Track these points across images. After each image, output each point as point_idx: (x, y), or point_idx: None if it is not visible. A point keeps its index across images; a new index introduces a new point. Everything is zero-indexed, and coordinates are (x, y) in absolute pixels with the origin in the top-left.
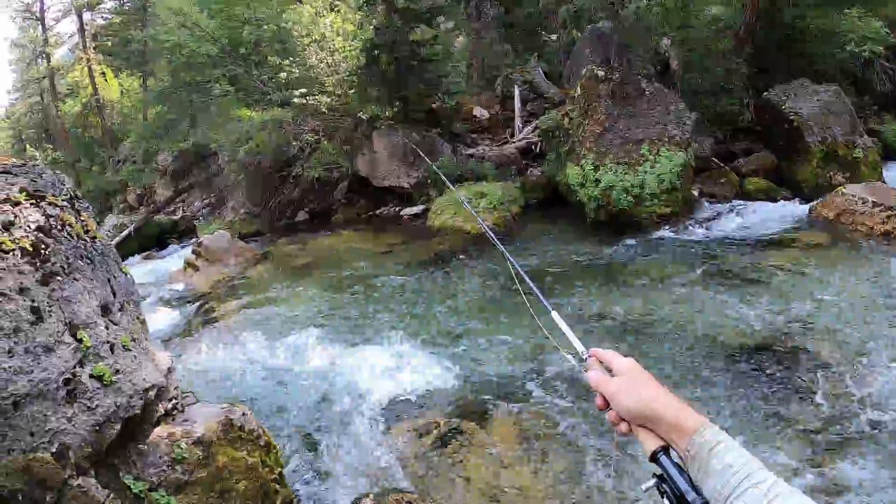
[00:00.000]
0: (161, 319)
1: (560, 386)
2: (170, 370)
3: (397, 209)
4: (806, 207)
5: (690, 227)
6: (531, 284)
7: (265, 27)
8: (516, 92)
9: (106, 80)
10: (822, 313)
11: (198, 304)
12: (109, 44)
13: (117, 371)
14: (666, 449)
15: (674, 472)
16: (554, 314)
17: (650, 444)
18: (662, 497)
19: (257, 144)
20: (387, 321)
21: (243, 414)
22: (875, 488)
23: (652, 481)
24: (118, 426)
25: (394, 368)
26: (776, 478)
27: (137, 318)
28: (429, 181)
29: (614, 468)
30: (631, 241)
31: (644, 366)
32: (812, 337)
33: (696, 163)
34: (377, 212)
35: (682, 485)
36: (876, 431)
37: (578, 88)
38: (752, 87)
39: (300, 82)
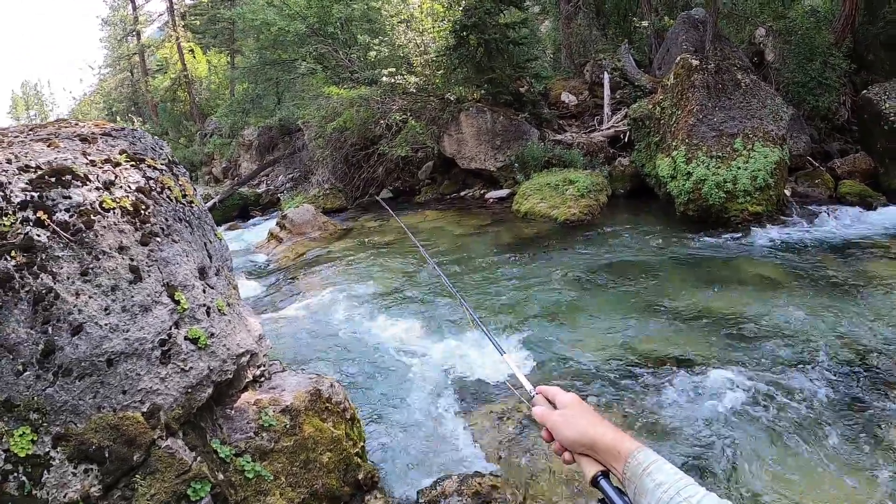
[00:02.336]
0: (246, 287)
1: (645, 383)
2: (261, 337)
3: (482, 192)
4: None
5: (783, 228)
6: (480, 324)
7: (354, 6)
8: (605, 78)
9: (194, 57)
10: None
11: (281, 274)
12: (198, 22)
13: (212, 335)
14: (605, 473)
15: (612, 494)
16: (507, 357)
17: (590, 470)
18: None
19: (344, 121)
20: (470, 303)
21: (331, 385)
22: None
23: None
24: (210, 390)
25: (476, 351)
26: (707, 492)
27: (231, 283)
28: (515, 165)
29: (707, 465)
30: (721, 239)
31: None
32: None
33: (791, 161)
34: (462, 193)
35: None
36: None
37: (671, 77)
38: (851, 84)
39: (388, 61)
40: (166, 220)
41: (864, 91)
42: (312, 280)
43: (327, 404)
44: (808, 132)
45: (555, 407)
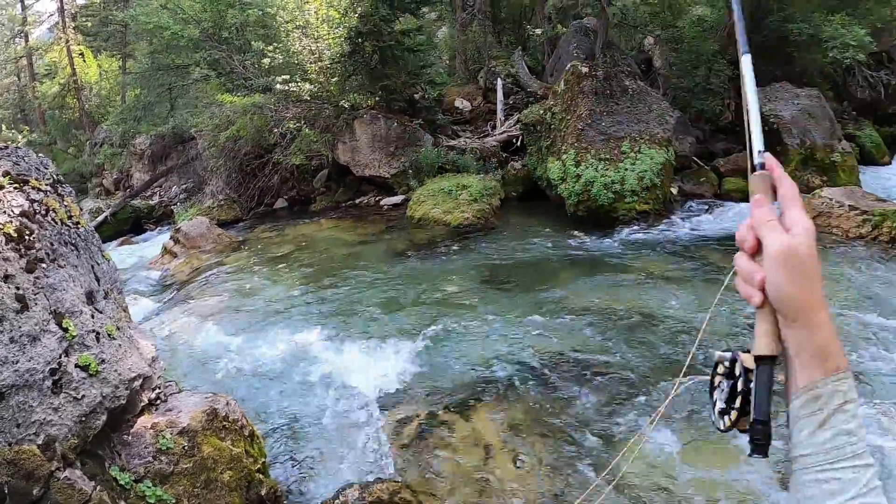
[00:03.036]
0: (140, 307)
1: (544, 378)
2: (154, 359)
3: (377, 199)
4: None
5: (670, 225)
6: None
7: (249, 12)
8: (499, 84)
9: (85, 61)
10: None
11: (176, 291)
12: (89, 24)
13: (103, 361)
14: (774, 360)
15: (763, 388)
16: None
17: (764, 343)
18: (724, 378)
19: (238, 130)
20: (365, 311)
21: (227, 403)
22: None
23: (728, 354)
24: (104, 417)
25: (374, 359)
26: (876, 467)
27: (121, 305)
28: (409, 171)
29: (597, 459)
30: (610, 237)
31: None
32: None
33: (677, 161)
34: (357, 201)
35: (763, 397)
36: None
37: (562, 83)
38: (734, 89)
39: (283, 68)
40: (52, 244)
41: None
42: (208, 295)
43: (225, 423)
44: (694, 134)
45: (784, 226)
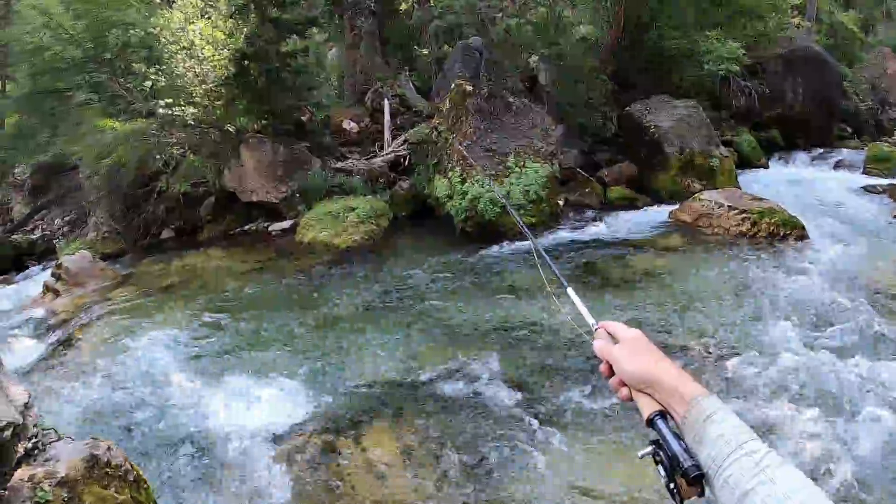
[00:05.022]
0: (19, 349)
1: (433, 395)
2: (27, 406)
3: (265, 225)
4: (666, 213)
5: (557, 236)
6: (550, 262)
7: (132, 32)
8: (386, 105)
9: None
10: (685, 310)
11: (58, 331)
12: None
13: None
14: (663, 414)
15: (669, 436)
16: (569, 290)
17: (647, 409)
18: (657, 465)
19: (119, 157)
20: (254, 341)
21: (109, 448)
22: None
23: (648, 448)
24: None
25: (265, 389)
26: (768, 448)
27: None
28: (297, 195)
29: (498, 476)
30: (497, 251)
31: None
32: (677, 332)
33: (562, 173)
34: (245, 228)
35: (677, 448)
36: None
37: (447, 102)
38: (616, 102)
39: (167, 92)
40: None
41: (628, 108)
42: (91, 335)
43: (107, 469)
44: (579, 146)
45: (616, 342)
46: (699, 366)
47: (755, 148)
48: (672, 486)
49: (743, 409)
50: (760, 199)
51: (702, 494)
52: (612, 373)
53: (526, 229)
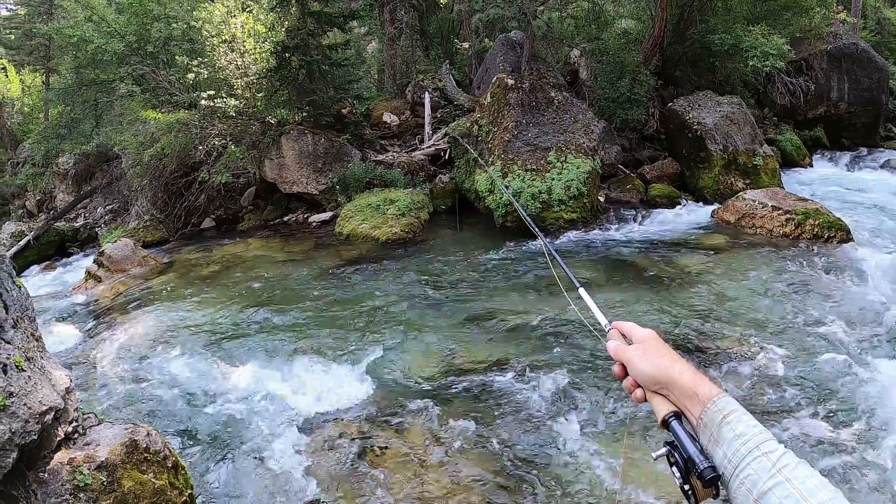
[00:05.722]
0: (61, 335)
1: (472, 389)
2: (69, 390)
3: (305, 216)
4: (708, 212)
5: (597, 232)
6: (561, 262)
7: (175, 25)
8: (426, 98)
9: (6, 76)
10: (728, 312)
11: (100, 317)
12: (12, 37)
13: (11, 394)
14: (678, 415)
15: (684, 438)
16: (582, 291)
17: (662, 410)
18: (671, 466)
19: (162, 147)
20: (295, 331)
21: (148, 434)
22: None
23: (663, 449)
24: (15, 454)
25: (304, 378)
26: (785, 449)
27: (32, 334)
28: (337, 187)
29: (535, 471)
30: (540, 247)
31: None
32: (720, 334)
33: (603, 169)
34: (284, 219)
35: (692, 450)
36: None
37: (488, 96)
38: (659, 98)
39: (208, 84)
40: None
41: (671, 104)
42: (132, 321)
43: (146, 454)
44: (620, 142)
45: (629, 343)
46: (738, 369)
47: (799, 147)
48: (687, 487)
49: (782, 415)
50: (805, 200)
51: (717, 496)
52: (625, 374)
53: (536, 229)
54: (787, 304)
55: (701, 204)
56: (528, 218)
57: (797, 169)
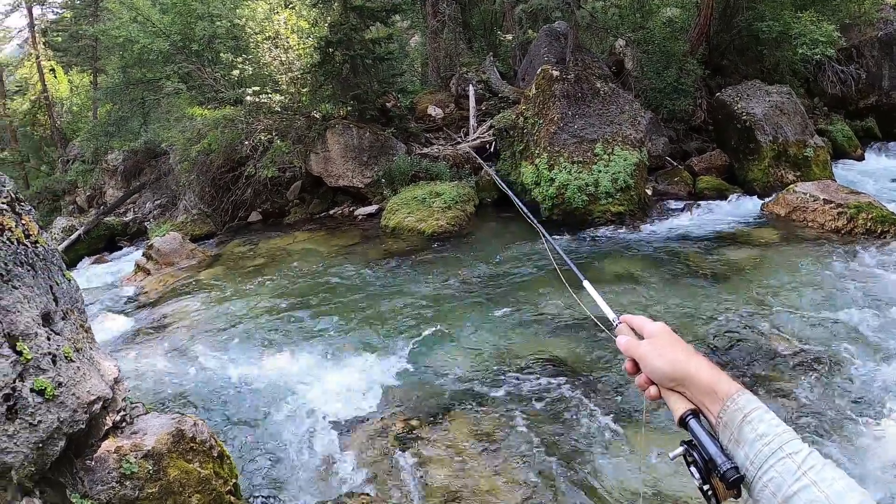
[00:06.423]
0: (110, 326)
1: (517, 386)
2: (117, 381)
3: (351, 209)
4: (758, 205)
5: (645, 225)
6: (564, 256)
7: (218, 23)
8: (471, 91)
9: (55, 77)
10: (779, 308)
11: (148, 308)
12: (59, 39)
13: (60, 384)
14: (696, 413)
15: (703, 436)
16: (587, 284)
17: (679, 408)
18: (689, 466)
19: (209, 143)
20: (341, 324)
21: (195, 424)
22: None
23: (680, 449)
24: (62, 442)
25: (349, 372)
26: (811, 449)
27: (82, 326)
28: (382, 180)
29: (576, 468)
30: (586, 240)
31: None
32: (764, 330)
33: (650, 161)
34: (331, 212)
35: (712, 449)
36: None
37: (533, 88)
38: (706, 88)
39: (253, 80)
40: (5, 264)
41: (719, 94)
42: (180, 313)
43: (192, 444)
44: (667, 134)
45: (641, 338)
46: (785, 367)
47: (850, 138)
48: (707, 488)
49: (831, 417)
50: (857, 193)
51: (737, 496)
52: (637, 370)
53: (535, 222)
54: (839, 301)
55: (750, 196)
56: (520, 204)
57: (848, 161)
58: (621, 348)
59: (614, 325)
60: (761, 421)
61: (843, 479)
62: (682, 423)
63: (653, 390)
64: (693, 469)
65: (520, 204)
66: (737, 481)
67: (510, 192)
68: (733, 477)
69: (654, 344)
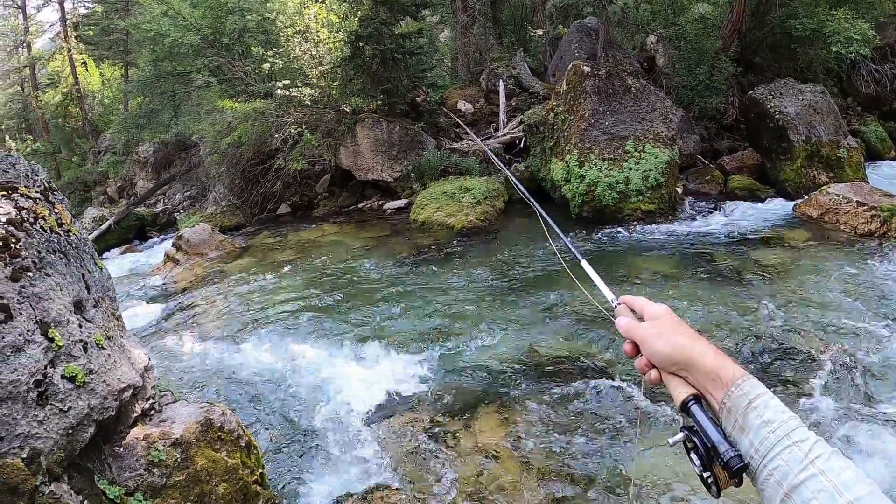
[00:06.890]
0: (139, 315)
1: (545, 383)
2: (147, 369)
3: (380, 203)
4: (790, 206)
5: (675, 224)
6: (561, 234)
7: (249, 17)
8: (501, 86)
9: (87, 70)
10: (809, 311)
11: (177, 298)
12: (91, 33)
13: (90, 371)
14: (698, 399)
15: (706, 423)
16: (584, 263)
17: (681, 392)
18: (689, 453)
19: (239, 136)
20: (369, 317)
21: (223, 413)
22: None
23: (680, 434)
24: (92, 429)
25: (377, 365)
26: (817, 437)
27: (113, 314)
28: (412, 174)
29: (603, 462)
30: (616, 238)
31: None
32: (792, 332)
33: (681, 160)
34: (360, 205)
35: (715, 436)
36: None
37: (564, 84)
38: (738, 85)
39: (283, 73)
40: (39, 252)
41: (751, 92)
42: (209, 303)
43: (220, 433)
44: (698, 132)
45: (641, 320)
46: (815, 371)
47: (884, 139)
48: (707, 475)
49: (858, 422)
50: (891, 196)
51: (739, 484)
52: (636, 352)
53: (529, 197)
54: (870, 306)
55: (782, 197)
56: (518, 184)
57: (882, 162)
58: (621, 330)
59: (614, 305)
60: (767, 407)
61: (850, 469)
62: (684, 408)
63: (653, 374)
64: (693, 455)
65: (517, 184)
66: (740, 469)
67: (507, 172)
68: (737, 465)
69: (656, 326)
